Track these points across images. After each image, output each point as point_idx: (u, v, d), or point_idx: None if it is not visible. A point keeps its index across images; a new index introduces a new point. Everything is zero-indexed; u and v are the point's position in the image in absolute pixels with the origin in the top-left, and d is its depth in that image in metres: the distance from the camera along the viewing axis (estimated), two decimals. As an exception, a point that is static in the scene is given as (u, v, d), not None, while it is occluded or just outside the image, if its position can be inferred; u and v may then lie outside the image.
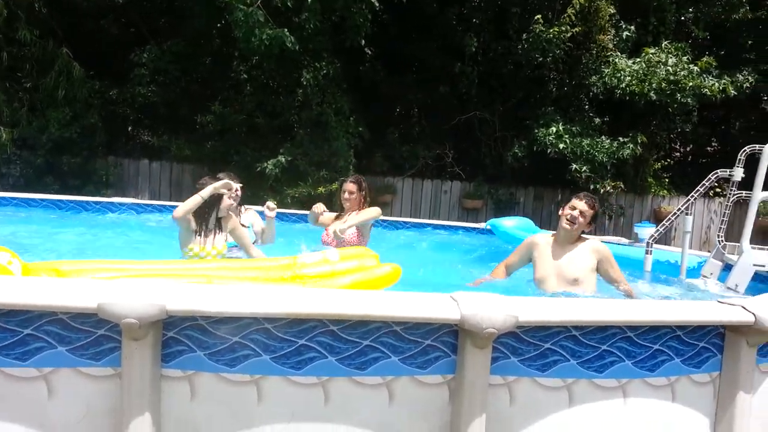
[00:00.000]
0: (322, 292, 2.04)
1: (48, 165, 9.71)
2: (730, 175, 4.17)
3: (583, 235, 3.81)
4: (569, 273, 3.59)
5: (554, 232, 3.88)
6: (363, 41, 9.73)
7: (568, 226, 3.67)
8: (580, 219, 3.67)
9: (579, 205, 3.69)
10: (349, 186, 4.83)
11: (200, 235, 3.68)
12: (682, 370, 2.20)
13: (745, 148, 4.15)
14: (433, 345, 1.97)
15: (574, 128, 10.02)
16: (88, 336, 1.84)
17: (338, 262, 2.86)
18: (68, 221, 5.87)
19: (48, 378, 1.84)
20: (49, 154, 9.63)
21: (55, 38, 9.78)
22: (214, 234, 3.75)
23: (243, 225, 4.41)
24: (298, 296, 1.94)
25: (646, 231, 5.25)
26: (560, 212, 3.77)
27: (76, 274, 2.58)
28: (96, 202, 6.59)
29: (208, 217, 3.72)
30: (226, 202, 3.85)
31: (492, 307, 1.87)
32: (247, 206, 4.95)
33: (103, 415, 1.86)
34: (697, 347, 2.21)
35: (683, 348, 2.19)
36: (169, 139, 10.40)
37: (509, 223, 5.85)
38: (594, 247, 3.71)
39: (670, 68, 9.73)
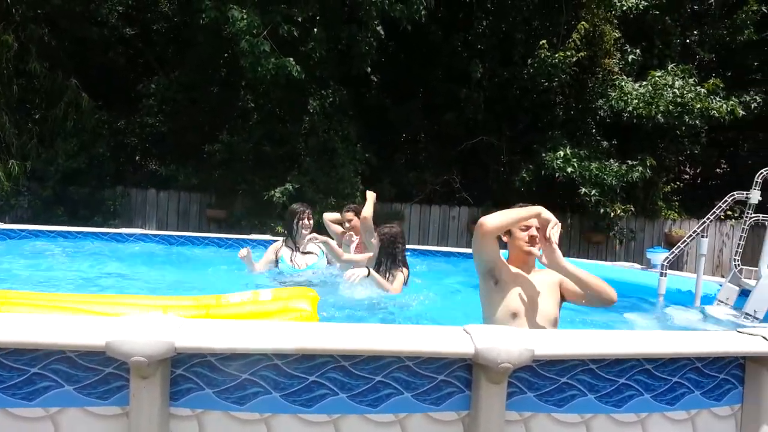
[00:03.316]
0: (333, 327, 2.00)
1: (56, 196, 9.78)
2: (746, 197, 4.10)
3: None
4: (551, 312, 2.83)
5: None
6: (369, 69, 9.82)
7: (535, 249, 2.87)
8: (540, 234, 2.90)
9: (535, 221, 2.91)
10: (348, 215, 5.24)
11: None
12: (703, 403, 2.13)
13: (762, 171, 4.08)
14: (447, 380, 1.92)
15: (581, 152, 10.01)
16: (96, 374, 1.81)
17: (267, 302, 2.63)
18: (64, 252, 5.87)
19: (55, 418, 1.80)
20: (58, 185, 9.70)
21: (64, 70, 9.93)
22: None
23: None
24: (308, 331, 1.91)
25: (659, 256, 5.17)
26: (505, 238, 2.97)
27: None
28: (103, 233, 6.60)
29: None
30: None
31: (507, 341, 1.83)
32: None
33: (110, 456, 1.82)
34: (717, 379, 2.15)
35: (703, 380, 2.13)
36: (176, 168, 10.47)
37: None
38: (551, 272, 2.94)
39: (676, 90, 9.75)
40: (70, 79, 9.80)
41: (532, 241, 2.87)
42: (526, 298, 2.81)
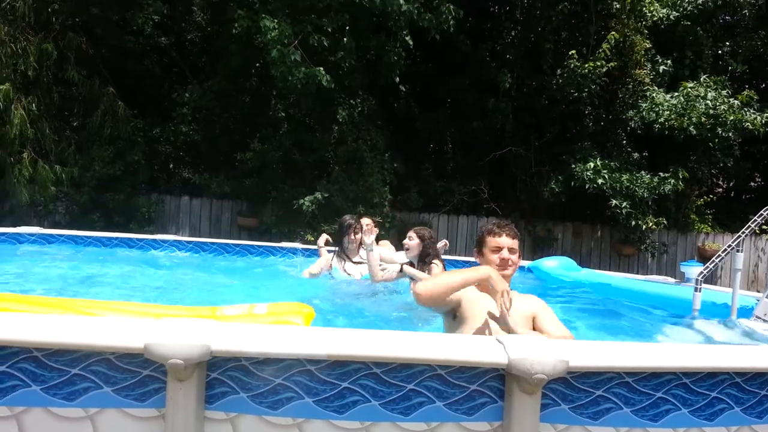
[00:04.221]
0: (365, 334, 2.01)
1: (92, 202, 10.00)
2: (782, 212, 4.00)
3: None
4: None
5: None
6: (397, 78, 9.87)
7: (507, 272, 2.75)
8: (514, 258, 2.79)
9: (505, 242, 2.78)
10: (366, 220, 5.26)
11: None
12: (743, 420, 2.08)
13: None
14: (479, 390, 1.91)
15: (612, 163, 9.89)
16: (134, 376, 1.84)
17: (262, 316, 2.60)
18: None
19: (93, 419, 1.84)
20: (94, 191, 9.92)
21: (101, 78, 10.19)
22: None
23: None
24: (341, 337, 1.92)
25: (694, 270, 5.07)
26: (477, 259, 2.88)
27: None
28: (139, 239, 6.73)
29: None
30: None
31: (541, 351, 1.81)
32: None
33: (146, 457, 1.85)
34: (758, 395, 2.09)
35: (743, 396, 2.08)
36: (209, 176, 10.64)
37: (551, 263, 5.73)
38: (527, 297, 2.87)
39: (709, 102, 9.57)
40: (106, 87, 10.05)
41: (503, 264, 2.73)
42: (488, 328, 2.58)
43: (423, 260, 4.36)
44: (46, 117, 9.51)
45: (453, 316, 2.72)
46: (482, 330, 2.57)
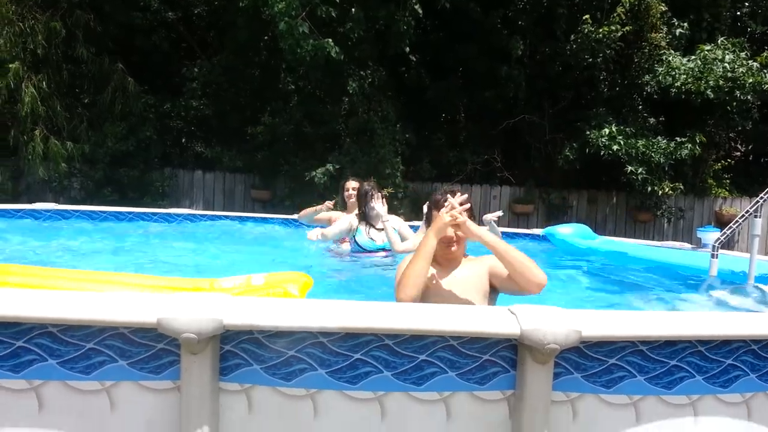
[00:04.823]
0: (377, 306, 2.01)
1: (106, 178, 10.08)
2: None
3: None
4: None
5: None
6: (407, 48, 9.72)
7: (452, 249, 2.70)
8: (460, 233, 2.66)
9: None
10: (353, 183, 5.30)
11: None
12: (758, 386, 2.06)
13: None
14: (492, 360, 1.91)
15: (627, 129, 9.74)
16: (149, 350, 1.86)
17: (259, 287, 2.58)
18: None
19: (110, 391, 1.87)
20: (108, 167, 9.99)
21: (110, 55, 10.17)
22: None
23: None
24: (353, 310, 1.92)
25: (710, 235, 5.02)
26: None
27: None
28: (153, 213, 6.78)
29: None
30: None
31: (554, 322, 1.80)
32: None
33: (163, 428, 1.88)
34: (774, 362, 2.07)
35: (759, 363, 2.06)
36: (221, 150, 10.65)
37: (565, 230, 5.69)
38: (478, 258, 2.79)
39: (727, 65, 9.35)
40: (116, 64, 10.03)
41: (448, 241, 2.66)
42: (440, 297, 2.62)
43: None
44: (56, 95, 9.54)
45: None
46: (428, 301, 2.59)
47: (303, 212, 5.61)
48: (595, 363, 1.93)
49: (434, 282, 2.67)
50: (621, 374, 1.94)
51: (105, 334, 1.84)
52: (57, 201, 9.20)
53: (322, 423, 1.89)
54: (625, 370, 1.94)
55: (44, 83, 9.17)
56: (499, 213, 4.65)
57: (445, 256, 2.71)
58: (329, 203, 5.39)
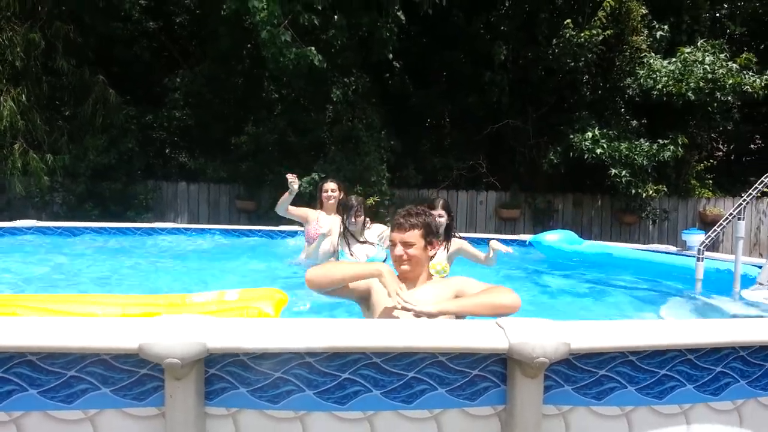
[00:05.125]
0: (364, 324, 1.98)
1: (88, 192, 9.94)
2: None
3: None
4: None
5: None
6: (391, 55, 9.72)
7: (403, 267, 2.62)
8: (411, 252, 2.59)
9: (396, 236, 2.62)
10: (331, 185, 5.25)
11: None
12: (749, 392, 2.07)
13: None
14: (481, 375, 1.89)
15: (610, 132, 9.82)
16: (131, 376, 1.82)
17: (231, 303, 2.51)
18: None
19: (93, 420, 1.82)
20: (89, 180, 9.85)
21: (91, 66, 10.04)
22: None
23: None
24: (339, 329, 1.89)
25: (695, 238, 5.04)
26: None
27: None
28: (136, 228, 6.70)
29: None
30: None
31: (542, 335, 1.79)
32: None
33: (148, 456, 1.84)
34: (763, 367, 2.07)
35: (748, 369, 2.06)
36: (205, 161, 10.56)
37: (552, 237, 5.69)
38: (449, 280, 2.73)
39: (707, 66, 9.46)
40: (96, 76, 9.90)
41: (398, 260, 2.60)
42: (401, 315, 2.47)
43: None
44: (36, 108, 9.39)
45: (367, 306, 2.64)
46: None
47: (277, 205, 5.28)
48: (585, 375, 1.92)
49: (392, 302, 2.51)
50: (611, 385, 1.94)
51: (86, 360, 1.80)
52: (39, 216, 9.07)
53: (312, 445, 1.86)
54: (615, 381, 1.94)
55: (23, 96, 9.02)
56: (510, 250, 4.48)
57: (401, 274, 2.64)
58: (291, 179, 5.07)
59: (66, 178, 9.78)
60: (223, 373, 1.84)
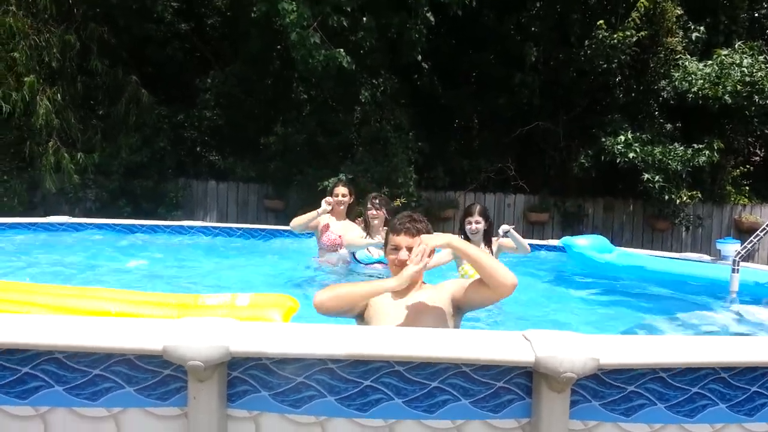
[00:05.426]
0: (386, 332, 1.97)
1: (121, 189, 10.14)
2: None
3: None
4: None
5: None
6: (419, 56, 9.69)
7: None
8: (406, 253, 2.61)
9: (402, 241, 2.63)
10: (342, 189, 5.11)
11: None
12: (785, 413, 1.98)
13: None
14: (506, 387, 1.85)
15: (644, 136, 9.60)
16: (155, 376, 1.84)
17: (241, 308, 2.52)
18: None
19: (117, 418, 1.85)
20: (122, 178, 10.05)
21: (124, 67, 10.24)
22: None
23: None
24: (363, 336, 1.88)
25: (730, 247, 4.89)
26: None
27: None
28: (167, 226, 6.79)
29: None
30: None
31: (570, 349, 1.74)
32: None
33: (170, 456, 1.85)
34: (801, 387, 1.99)
35: (785, 388, 1.98)
36: (234, 161, 10.67)
37: (583, 242, 5.57)
38: (440, 284, 2.73)
39: (745, 69, 9.19)
40: (129, 76, 10.10)
41: (400, 265, 2.59)
42: (402, 321, 2.51)
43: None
44: (71, 107, 9.60)
45: (361, 318, 2.62)
46: (405, 323, 2.51)
47: (296, 221, 5.14)
48: (614, 390, 1.87)
49: (394, 306, 2.57)
50: (641, 402, 1.88)
51: (111, 360, 1.82)
52: (72, 212, 9.27)
53: (332, 452, 1.85)
54: (645, 398, 1.88)
55: (59, 95, 9.23)
56: (512, 226, 4.57)
57: None
58: (327, 205, 4.95)
59: (99, 175, 9.99)
60: (245, 376, 1.85)
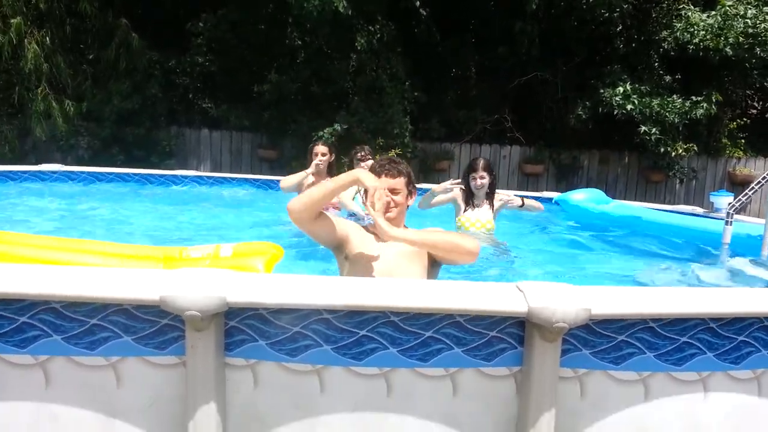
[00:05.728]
0: (383, 283, 1.98)
1: (113, 137, 10.01)
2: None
3: None
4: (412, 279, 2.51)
5: None
6: (417, 2, 9.45)
7: (388, 214, 2.57)
8: (397, 199, 2.61)
9: (384, 182, 2.56)
10: (322, 148, 5.00)
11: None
12: (771, 362, 2.04)
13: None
14: (498, 336, 1.88)
15: (642, 87, 9.51)
16: (153, 326, 1.85)
17: (225, 259, 2.48)
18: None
19: (116, 367, 1.87)
20: (114, 126, 9.91)
21: (114, 10, 9.95)
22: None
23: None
24: (358, 287, 1.89)
25: (723, 200, 4.92)
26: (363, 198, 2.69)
27: None
28: (160, 175, 6.75)
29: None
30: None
31: (562, 299, 1.77)
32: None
33: (169, 403, 1.89)
34: (787, 338, 2.04)
35: (772, 339, 2.03)
36: (227, 108, 10.52)
37: (579, 196, 5.58)
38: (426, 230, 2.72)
39: (749, 20, 9.02)
40: (120, 19, 9.83)
41: (384, 207, 2.53)
42: (378, 270, 2.52)
43: None
44: (60, 51, 9.38)
45: (345, 256, 2.62)
46: (368, 271, 2.54)
47: (286, 181, 5.02)
48: (604, 340, 1.90)
49: (373, 251, 2.58)
50: (630, 351, 1.92)
51: (109, 310, 1.83)
52: (64, 160, 9.18)
53: (328, 398, 1.89)
54: (634, 347, 1.92)
55: (47, 39, 9.00)
56: (542, 208, 4.56)
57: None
58: (319, 163, 4.87)
59: (91, 122, 9.84)
60: (242, 326, 1.86)
